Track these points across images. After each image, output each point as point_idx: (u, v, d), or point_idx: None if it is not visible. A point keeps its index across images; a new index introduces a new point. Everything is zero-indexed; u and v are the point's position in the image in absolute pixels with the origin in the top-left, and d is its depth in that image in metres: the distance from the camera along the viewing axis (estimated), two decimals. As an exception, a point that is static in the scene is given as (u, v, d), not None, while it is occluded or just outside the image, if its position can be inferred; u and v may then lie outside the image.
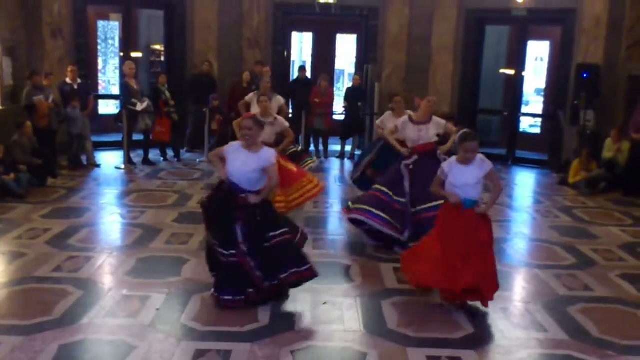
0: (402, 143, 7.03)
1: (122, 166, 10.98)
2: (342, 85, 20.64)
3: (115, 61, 16.49)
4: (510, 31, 15.12)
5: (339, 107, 13.99)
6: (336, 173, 11.53)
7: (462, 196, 5.05)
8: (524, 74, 13.87)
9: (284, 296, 5.23)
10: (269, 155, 5.13)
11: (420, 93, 13.39)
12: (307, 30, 17.77)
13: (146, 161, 11.42)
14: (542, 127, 14.86)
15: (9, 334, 4.41)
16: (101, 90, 16.02)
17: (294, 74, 14.70)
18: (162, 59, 15.35)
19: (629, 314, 5.24)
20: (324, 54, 16.61)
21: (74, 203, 8.41)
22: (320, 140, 13.03)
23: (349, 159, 12.79)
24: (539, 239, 7.58)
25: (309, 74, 13.86)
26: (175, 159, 11.94)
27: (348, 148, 13.09)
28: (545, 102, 15.64)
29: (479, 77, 13.79)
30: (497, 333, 4.79)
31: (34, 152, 9.28)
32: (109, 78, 17.40)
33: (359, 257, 6.48)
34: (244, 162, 5.01)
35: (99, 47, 16.16)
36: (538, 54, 19.52)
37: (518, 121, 14.04)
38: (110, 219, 7.74)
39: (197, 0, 13.11)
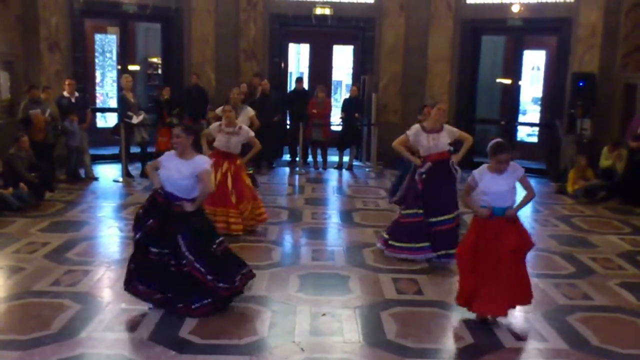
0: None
1: (120, 179, 10.97)
2: (340, 96, 20.68)
3: (113, 74, 16.54)
4: (506, 41, 15.20)
5: (336, 118, 14.04)
6: (334, 184, 11.53)
7: (493, 204, 5.02)
8: (520, 83, 13.94)
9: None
10: (202, 162, 5.17)
11: (417, 103, 13.51)
12: (304, 42, 17.85)
13: (144, 174, 11.42)
14: (540, 136, 14.90)
15: (7, 348, 4.39)
16: (99, 104, 16.06)
17: (291, 85, 14.74)
18: (160, 71, 15.40)
19: (628, 322, 5.23)
20: (320, 65, 16.67)
21: (72, 216, 8.40)
22: (319, 151, 13.04)
23: (347, 169, 12.80)
24: (538, 248, 7.53)
25: (306, 85, 13.90)
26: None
27: (346, 159, 13.11)
28: (542, 111, 15.68)
29: (475, 86, 13.85)
30: (497, 343, 4.77)
31: (31, 166, 9.27)
32: (106, 91, 17.44)
33: (358, 268, 6.47)
34: (177, 170, 5.05)
35: (96, 61, 16.21)
36: (534, 63, 19.61)
37: (515, 130, 14.07)
38: (108, 232, 7.73)
39: (194, 13, 13.17)
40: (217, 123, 7.86)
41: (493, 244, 4.99)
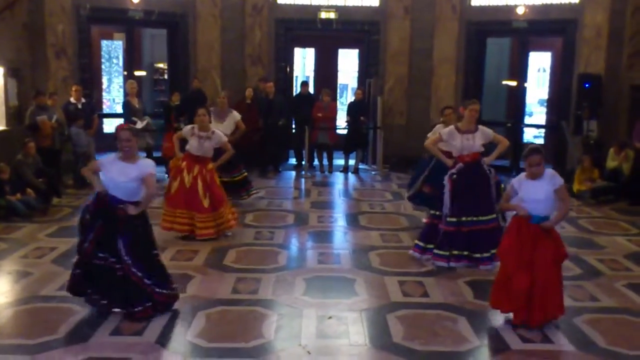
0: (448, 154, 6.95)
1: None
2: (346, 100, 20.72)
3: (120, 80, 16.66)
4: (511, 42, 15.18)
5: (342, 121, 14.05)
6: (340, 187, 11.54)
7: (531, 212, 4.99)
8: (526, 85, 13.91)
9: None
10: (147, 165, 5.19)
11: (423, 105, 13.54)
12: (309, 46, 17.89)
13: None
14: (546, 137, 14.87)
15: (14, 353, 4.42)
16: (105, 109, 16.15)
17: (297, 89, 14.77)
18: (166, 77, 15.47)
19: (636, 323, 5.21)
20: (326, 69, 16.70)
21: (79, 222, 8.42)
22: (325, 155, 13.06)
23: (352, 172, 12.81)
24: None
25: (311, 89, 13.92)
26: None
27: (352, 162, 13.12)
28: (548, 113, 15.66)
29: (481, 88, 13.83)
30: (503, 345, 4.76)
31: (38, 171, 9.32)
32: (113, 97, 17.56)
33: (364, 270, 6.47)
34: (121, 173, 5.05)
35: (103, 67, 16.31)
36: (540, 65, 19.60)
37: (521, 132, 14.04)
38: (115, 237, 7.75)
39: (200, 19, 13.22)
40: (191, 126, 7.82)
41: (530, 252, 4.97)
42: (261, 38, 13.41)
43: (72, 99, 11.05)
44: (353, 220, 8.80)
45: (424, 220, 7.67)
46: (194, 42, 13.30)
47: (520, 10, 12.60)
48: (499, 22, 13.17)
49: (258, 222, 8.51)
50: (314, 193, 10.80)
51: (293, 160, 13.56)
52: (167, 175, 11.71)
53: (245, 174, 9.54)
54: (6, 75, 11.02)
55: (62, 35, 12.31)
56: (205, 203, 7.43)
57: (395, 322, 5.10)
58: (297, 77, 17.14)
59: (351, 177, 12.54)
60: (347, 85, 21.65)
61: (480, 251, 6.55)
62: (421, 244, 6.95)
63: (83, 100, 11.21)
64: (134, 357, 4.41)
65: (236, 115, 9.52)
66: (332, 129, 12.84)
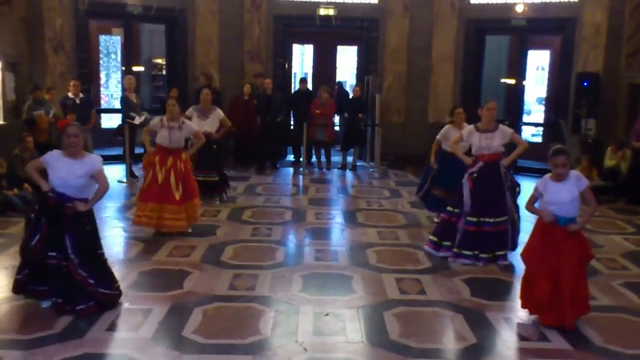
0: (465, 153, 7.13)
1: (124, 179, 11.00)
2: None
3: (118, 75, 16.59)
4: (510, 40, 15.17)
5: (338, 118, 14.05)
6: (338, 184, 11.53)
7: (557, 214, 4.98)
8: (524, 83, 13.91)
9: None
10: (97, 161, 5.15)
11: (421, 103, 13.54)
12: (308, 42, 17.85)
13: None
14: (544, 136, 14.87)
15: (10, 348, 4.41)
16: (103, 104, 16.10)
17: (295, 85, 14.77)
18: (164, 72, 15.44)
19: (632, 322, 5.21)
20: (324, 66, 16.68)
21: (76, 217, 8.40)
22: (322, 151, 13.05)
23: (350, 169, 12.80)
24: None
25: (310, 86, 13.91)
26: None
27: (350, 159, 13.11)
28: (546, 111, 15.66)
29: (479, 86, 13.84)
30: (500, 343, 4.77)
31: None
32: (111, 92, 17.50)
33: (361, 268, 6.47)
34: (69, 170, 5.00)
35: (101, 62, 16.26)
36: (539, 63, 19.59)
37: (520, 130, 14.02)
38: (112, 233, 7.74)
39: (198, 14, 13.19)
40: (159, 117, 7.75)
41: (555, 253, 4.95)
42: (260, 34, 13.39)
43: (69, 94, 11.03)
44: (351, 217, 8.79)
45: (436, 219, 7.76)
46: (193, 37, 13.28)
47: (519, 9, 12.60)
48: (497, 20, 13.17)
49: (255, 218, 8.50)
50: (311, 190, 10.79)
51: (291, 157, 13.55)
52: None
53: (217, 179, 9.29)
54: (4, 70, 10.99)
55: (60, 30, 12.28)
56: (177, 195, 7.35)
57: (392, 320, 5.09)
58: (295, 73, 17.11)
59: (349, 174, 12.53)
60: (345, 82, 21.62)
61: (490, 251, 6.64)
62: (435, 239, 6.99)
63: (81, 95, 11.19)
64: (129, 353, 4.40)
65: (220, 112, 9.37)
66: (330, 125, 12.83)
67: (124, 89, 11.81)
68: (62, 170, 5.01)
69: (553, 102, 14.21)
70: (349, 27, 14.16)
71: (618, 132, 11.27)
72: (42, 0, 12.07)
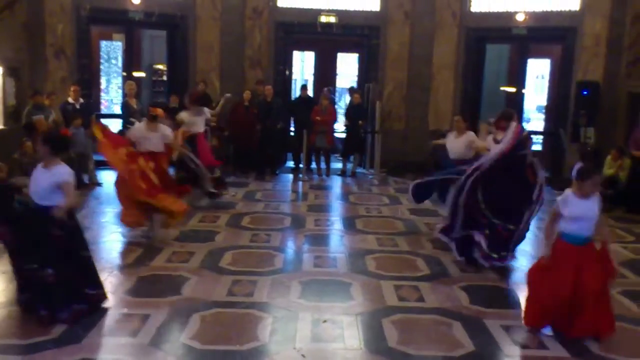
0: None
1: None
2: (344, 104, 20.71)
3: (118, 80, 16.63)
4: (510, 49, 15.21)
5: (340, 125, 14.06)
6: (337, 191, 11.53)
7: (578, 232, 4.91)
8: (524, 91, 13.93)
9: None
10: (63, 172, 5.11)
11: (421, 111, 13.56)
12: (309, 49, 17.90)
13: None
14: (544, 144, 14.88)
15: (7, 353, 4.40)
16: (104, 110, 16.12)
17: (296, 92, 14.79)
18: (165, 78, 15.46)
19: (630, 330, 5.21)
20: (325, 73, 16.71)
21: (76, 222, 8.40)
22: (322, 158, 13.05)
23: (350, 176, 12.80)
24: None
25: (310, 93, 13.94)
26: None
27: (350, 166, 13.12)
28: (546, 120, 15.67)
29: (479, 94, 13.87)
30: (498, 351, 4.76)
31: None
32: (111, 97, 17.54)
33: (360, 274, 6.46)
34: (40, 178, 5.06)
35: (102, 67, 16.30)
36: (539, 72, 19.62)
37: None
38: (111, 238, 7.74)
39: (200, 21, 13.23)
40: (142, 123, 7.89)
41: (574, 274, 4.87)
42: (261, 41, 13.42)
43: (70, 99, 11.04)
44: (350, 224, 8.79)
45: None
46: (194, 44, 13.31)
47: (520, 17, 12.63)
48: (498, 29, 13.20)
49: (255, 224, 8.50)
50: (311, 196, 10.79)
51: (291, 164, 13.55)
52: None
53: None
54: (4, 75, 11.01)
55: (62, 35, 12.32)
56: (158, 183, 7.42)
57: (390, 327, 5.09)
58: (296, 80, 17.14)
59: (349, 180, 12.53)
60: (345, 90, 21.66)
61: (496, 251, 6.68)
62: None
63: (81, 100, 11.20)
64: (127, 359, 4.40)
65: (207, 112, 9.75)
66: (330, 132, 12.84)
67: (124, 95, 11.83)
68: (37, 178, 5.09)
69: (553, 111, 14.23)
70: (350, 35, 14.19)
71: (617, 141, 11.28)
72: (43, 6, 12.11)
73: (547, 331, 5.03)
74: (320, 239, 8.03)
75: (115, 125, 14.80)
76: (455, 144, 8.34)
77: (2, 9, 10.94)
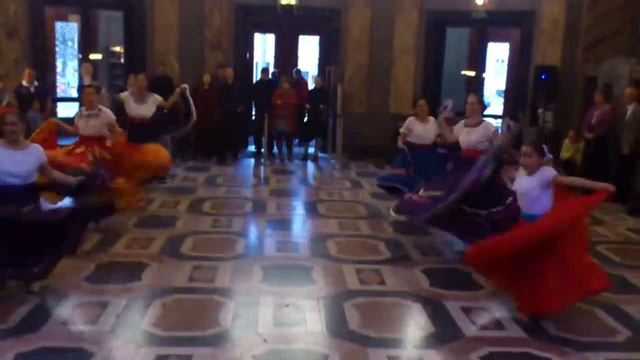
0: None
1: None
2: (306, 87, 20.64)
3: (75, 63, 16.26)
4: (470, 33, 15.34)
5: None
6: (299, 175, 11.52)
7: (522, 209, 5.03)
8: (484, 75, 14.09)
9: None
10: (40, 150, 5.09)
11: (382, 95, 13.59)
12: (270, 32, 17.75)
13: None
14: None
15: (-39, 344, 4.29)
16: (60, 93, 15.74)
17: (257, 75, 14.67)
18: (122, 60, 15.15)
19: (586, 311, 5.31)
20: (286, 56, 16.61)
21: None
22: (284, 142, 13.01)
23: (312, 160, 12.79)
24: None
25: (271, 76, 13.84)
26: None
27: (311, 150, 13.11)
28: (505, 104, 15.89)
29: (440, 78, 13.96)
30: (457, 332, 4.83)
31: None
32: (68, 80, 17.13)
33: (322, 258, 6.48)
34: (14, 162, 4.87)
35: (57, 49, 15.89)
36: (499, 56, 19.87)
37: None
38: (68, 224, 7.57)
39: (158, 2, 12.97)
40: (82, 108, 7.70)
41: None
42: (221, 23, 13.23)
43: (24, 82, 10.74)
44: (311, 208, 8.79)
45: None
46: (152, 25, 13.04)
47: (479, 1, 12.73)
48: (458, 13, 13.27)
49: (216, 209, 8.44)
50: (272, 181, 10.76)
51: (252, 148, 13.47)
52: None
53: None
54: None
55: (14, 16, 11.95)
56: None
57: (352, 310, 5.12)
58: (257, 63, 17.00)
59: (310, 165, 12.53)
60: (307, 73, 21.59)
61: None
62: None
63: (36, 83, 10.90)
64: (87, 347, 4.33)
65: (157, 97, 9.16)
66: (291, 116, 12.78)
67: (81, 78, 11.56)
68: (6, 163, 4.86)
69: (512, 95, 14.43)
70: (311, 17, 14.10)
71: (575, 124, 11.50)
72: (-6, -15, 11.73)
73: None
74: (282, 224, 8.02)
75: (72, 109, 14.53)
76: (423, 130, 8.19)
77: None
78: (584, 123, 10.37)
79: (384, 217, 8.27)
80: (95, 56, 14.36)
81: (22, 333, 4.48)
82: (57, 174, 5.25)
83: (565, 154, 10.78)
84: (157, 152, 8.23)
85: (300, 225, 8.05)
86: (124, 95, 9.07)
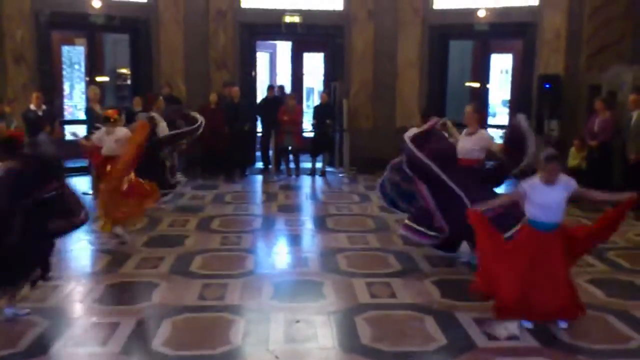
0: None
1: (90, 191, 10.83)
2: (312, 103, 20.73)
3: (82, 86, 16.37)
4: (473, 45, 15.37)
5: (308, 125, 14.07)
6: (307, 190, 11.53)
7: (541, 219, 4.98)
8: (488, 86, 14.11)
9: None
10: None
11: (388, 109, 13.63)
12: (273, 49, 17.84)
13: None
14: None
15: (-27, 367, 4.30)
16: (68, 116, 15.84)
17: (263, 93, 14.72)
18: (129, 82, 15.27)
19: (598, 318, 5.29)
20: (292, 73, 16.68)
21: (41, 231, 8.24)
22: (291, 158, 13.04)
23: (320, 175, 12.80)
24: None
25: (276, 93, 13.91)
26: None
27: (319, 165, 13.12)
28: (510, 114, 15.89)
29: (444, 91, 14.00)
30: (470, 344, 4.80)
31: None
32: (75, 103, 17.25)
33: (332, 273, 6.46)
34: None
35: (64, 73, 16.02)
36: (503, 67, 19.89)
37: (485, 133, 14.19)
38: (78, 246, 7.59)
39: (163, 23, 13.10)
40: (103, 129, 7.89)
41: (535, 258, 4.93)
42: (225, 42, 13.35)
43: (32, 106, 10.82)
44: (320, 223, 8.79)
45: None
46: (157, 47, 13.18)
47: (481, 14, 12.78)
48: (460, 25, 13.33)
49: (225, 227, 8.44)
50: (281, 197, 10.77)
51: (260, 164, 13.50)
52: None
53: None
54: (-37, 83, 10.76)
55: (21, 41, 12.07)
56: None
57: (363, 324, 5.10)
58: (263, 80, 17.08)
59: (318, 180, 12.54)
60: (313, 89, 21.67)
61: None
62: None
63: (44, 106, 10.98)
64: (98, 368, 4.33)
65: (163, 125, 9.52)
66: (298, 132, 12.83)
67: (88, 100, 11.65)
68: None
69: (516, 105, 14.42)
70: (315, 34, 14.21)
71: (580, 132, 11.48)
72: (1, 11, 11.85)
73: (528, 325, 5.08)
74: (291, 239, 8.02)
75: (80, 131, 14.61)
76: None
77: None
78: (586, 131, 10.35)
79: (393, 230, 8.25)
80: (101, 78, 14.48)
81: (32, 356, 4.48)
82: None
83: (572, 162, 10.74)
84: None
85: (309, 240, 8.04)
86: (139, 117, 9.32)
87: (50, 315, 5.23)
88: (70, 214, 5.30)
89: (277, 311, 5.35)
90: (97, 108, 11.28)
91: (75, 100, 17.23)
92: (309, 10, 13.61)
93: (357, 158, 13.11)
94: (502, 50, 15.81)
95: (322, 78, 16.25)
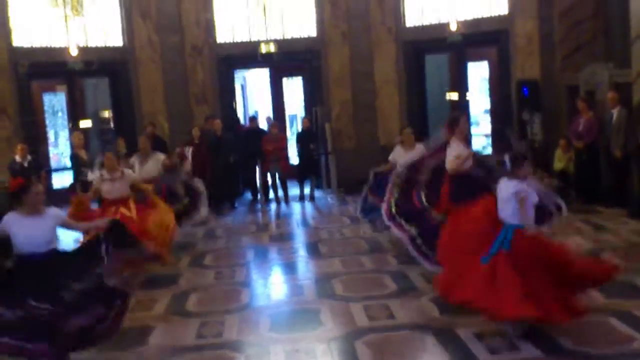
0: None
1: (81, 238, 10.76)
2: (296, 129, 20.78)
3: (66, 133, 16.38)
4: (449, 57, 15.50)
5: (293, 152, 14.13)
6: (298, 217, 11.52)
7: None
8: (468, 95, 14.22)
9: None
10: (57, 211, 5.24)
11: (370, 128, 13.71)
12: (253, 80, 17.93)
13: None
14: (493, 145, 15.12)
15: None
16: (54, 164, 15.83)
17: (246, 123, 14.78)
18: (112, 125, 15.29)
19: (599, 322, 5.26)
20: (273, 101, 16.74)
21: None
22: (279, 186, 13.03)
23: (309, 200, 12.80)
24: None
25: (261, 123, 13.99)
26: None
27: (307, 190, 13.13)
28: (492, 122, 15.97)
29: (424, 105, 14.10)
30: (472, 358, 4.79)
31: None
32: (61, 150, 17.25)
33: (328, 299, 6.45)
34: (35, 227, 4.96)
35: (47, 121, 16.04)
36: (481, 75, 20.01)
37: (469, 142, 14.24)
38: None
39: (140, 64, 13.18)
40: (98, 173, 7.86)
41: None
42: (204, 77, 13.43)
43: (17, 158, 10.81)
44: (313, 249, 8.78)
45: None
46: (137, 87, 13.25)
47: (453, 27, 12.93)
48: (434, 40, 13.46)
49: (217, 261, 8.41)
50: (271, 226, 10.76)
51: (249, 195, 13.49)
52: None
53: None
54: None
55: (2, 94, 12.09)
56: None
57: (363, 348, 5.09)
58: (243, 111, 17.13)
59: (308, 205, 12.53)
60: (295, 116, 21.74)
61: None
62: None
63: (29, 157, 10.97)
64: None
65: (160, 155, 9.36)
66: (284, 159, 12.84)
67: (72, 147, 11.65)
68: (28, 228, 4.94)
69: (497, 111, 14.52)
70: (292, 60, 14.32)
71: (563, 133, 11.58)
72: (-21, 67, 11.90)
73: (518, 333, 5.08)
74: (285, 268, 8.02)
75: (67, 179, 14.57)
76: (409, 157, 8.07)
77: None
78: (571, 132, 10.43)
79: (386, 250, 8.24)
80: (85, 123, 14.47)
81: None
82: (82, 225, 5.57)
83: (558, 164, 10.79)
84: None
85: (303, 267, 8.03)
86: (132, 160, 9.26)
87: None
88: None
89: (276, 343, 5.33)
90: (83, 154, 11.28)
91: (60, 147, 17.24)
92: (284, 39, 13.73)
93: (344, 179, 13.13)
94: (477, 58, 15.93)
95: (302, 104, 16.35)
